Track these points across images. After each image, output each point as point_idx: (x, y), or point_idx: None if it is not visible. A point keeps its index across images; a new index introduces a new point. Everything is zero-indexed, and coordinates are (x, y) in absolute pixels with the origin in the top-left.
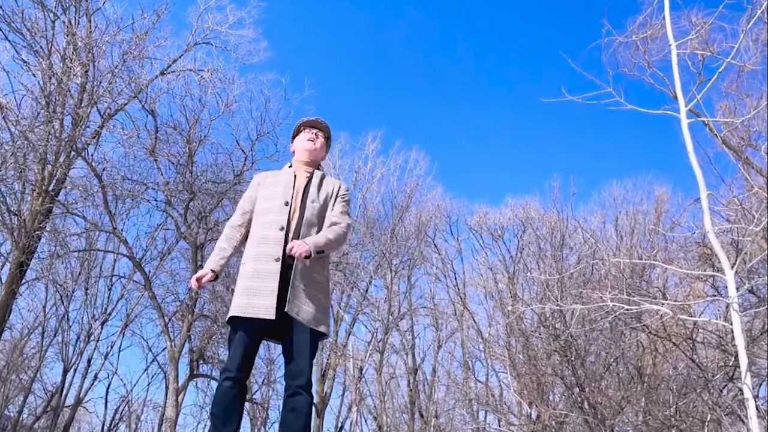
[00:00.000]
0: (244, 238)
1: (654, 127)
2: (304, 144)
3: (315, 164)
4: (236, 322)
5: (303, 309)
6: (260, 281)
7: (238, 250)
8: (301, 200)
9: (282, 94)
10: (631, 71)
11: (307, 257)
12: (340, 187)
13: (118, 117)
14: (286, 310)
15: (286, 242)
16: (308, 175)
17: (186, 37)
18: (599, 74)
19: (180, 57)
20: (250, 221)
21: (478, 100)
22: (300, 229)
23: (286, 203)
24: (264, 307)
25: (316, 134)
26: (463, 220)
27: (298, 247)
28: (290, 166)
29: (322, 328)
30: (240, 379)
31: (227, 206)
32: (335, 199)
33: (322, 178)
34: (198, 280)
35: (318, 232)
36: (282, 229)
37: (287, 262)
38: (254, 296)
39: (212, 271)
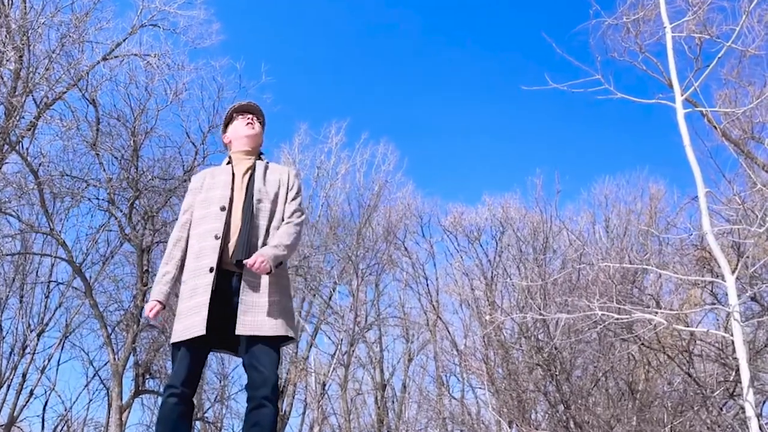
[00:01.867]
0: (186, 253)
1: (647, 118)
2: (243, 130)
3: (256, 152)
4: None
5: (258, 320)
6: (195, 298)
7: (183, 265)
8: (245, 199)
9: (237, 81)
10: (621, 56)
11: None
12: (289, 177)
13: (56, 107)
14: (237, 332)
15: (222, 250)
16: (250, 167)
17: (131, 19)
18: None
19: (124, 40)
20: (188, 234)
21: (452, 89)
22: (244, 236)
23: (222, 208)
24: (195, 326)
25: (252, 119)
26: (436, 221)
27: (259, 265)
28: (228, 162)
29: (289, 333)
30: (186, 394)
31: (176, 205)
32: (287, 190)
33: (266, 168)
34: (155, 315)
35: (266, 232)
36: (217, 237)
37: (226, 267)
38: (188, 317)
39: (158, 302)
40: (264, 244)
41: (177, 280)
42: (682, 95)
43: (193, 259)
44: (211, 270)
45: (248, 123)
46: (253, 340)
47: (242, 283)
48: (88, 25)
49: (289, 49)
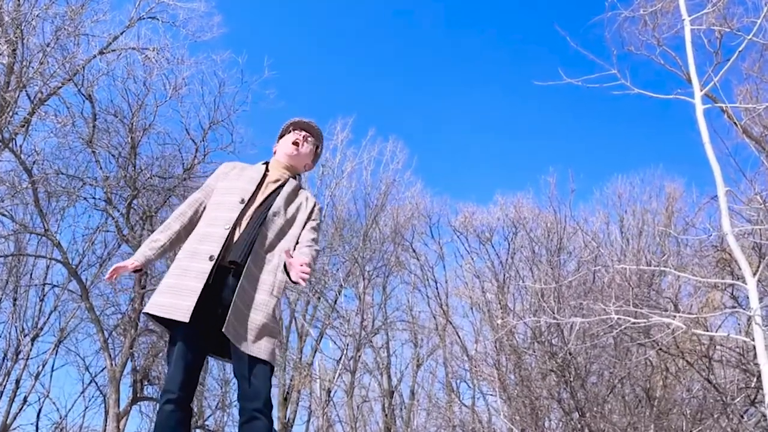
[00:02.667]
0: (189, 231)
1: (665, 114)
2: (288, 146)
3: (294, 171)
4: (176, 333)
5: (246, 337)
6: (185, 279)
7: (178, 243)
8: (260, 204)
9: (238, 76)
10: (638, 50)
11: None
12: (313, 207)
13: (51, 102)
14: (223, 330)
15: (227, 242)
16: (281, 179)
17: (128, 11)
18: (601, 54)
19: (121, 34)
20: (198, 212)
21: (463, 84)
22: (248, 238)
23: (242, 201)
24: (182, 309)
25: (304, 137)
26: (446, 221)
27: (307, 270)
28: (265, 163)
29: (264, 356)
30: (183, 400)
31: (176, 204)
32: (306, 222)
33: (296, 189)
34: (116, 269)
35: (270, 247)
36: (227, 228)
37: (222, 263)
38: (175, 295)
39: (135, 262)
40: (263, 258)
41: (165, 251)
42: (701, 90)
43: (195, 241)
44: (211, 258)
45: (295, 141)
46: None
47: (238, 289)
48: (84, 18)
49: (292, 42)
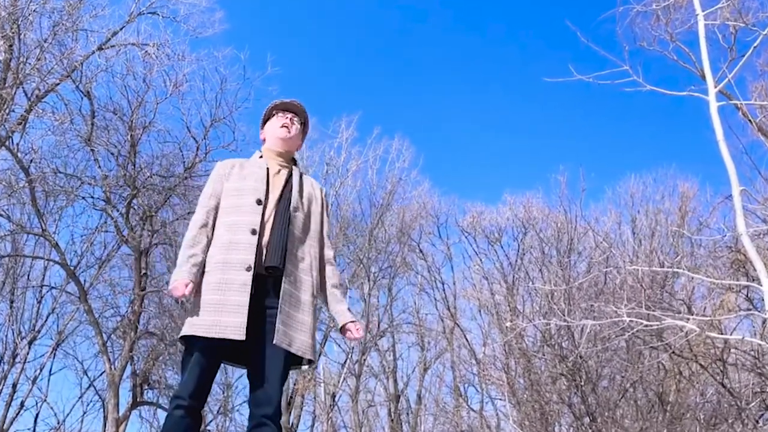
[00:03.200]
0: (210, 240)
1: (678, 112)
2: (277, 131)
3: (290, 156)
4: (195, 342)
5: (297, 339)
6: (228, 294)
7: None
8: (278, 202)
9: (241, 72)
10: (650, 45)
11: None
12: (323, 195)
13: (49, 99)
14: (275, 342)
15: (259, 248)
16: (285, 170)
17: (128, 6)
18: (613, 49)
19: (121, 29)
20: (215, 220)
21: (471, 81)
22: (280, 240)
23: (259, 201)
24: (233, 326)
25: (291, 119)
26: (453, 221)
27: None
28: (261, 157)
29: (313, 356)
30: (194, 407)
31: (176, 204)
32: (322, 209)
33: (301, 177)
34: (188, 288)
35: (302, 250)
36: (255, 232)
37: (259, 271)
38: (221, 312)
39: (191, 281)
40: (296, 257)
41: (203, 268)
42: (715, 87)
43: (222, 251)
44: (248, 269)
45: (284, 125)
46: (268, 352)
47: (282, 292)
48: (83, 13)
49: (296, 38)
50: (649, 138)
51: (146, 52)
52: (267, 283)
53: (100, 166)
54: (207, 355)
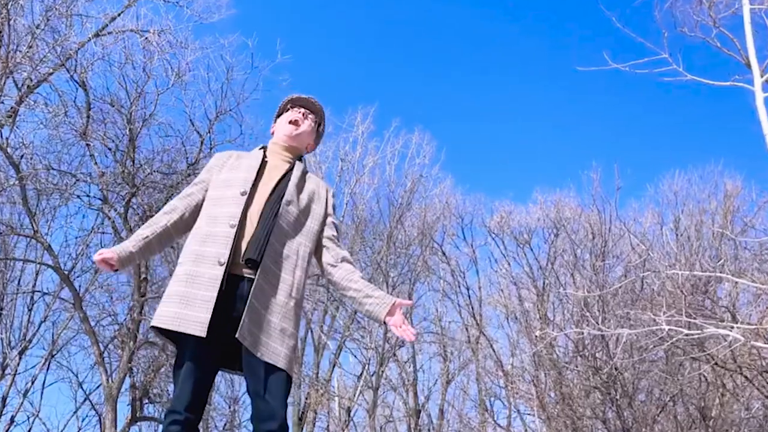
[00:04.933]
0: (180, 228)
1: (722, 103)
2: (286, 126)
3: (296, 153)
4: (184, 349)
5: (262, 340)
6: (195, 287)
7: (167, 240)
8: (270, 195)
9: (248, 61)
10: (692, 32)
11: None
12: (327, 194)
13: (41, 90)
14: (237, 335)
15: (236, 242)
16: (286, 163)
17: None
18: (651, 37)
19: (119, 14)
20: (190, 207)
21: (497, 70)
22: (263, 232)
23: (243, 193)
24: (195, 321)
25: (303, 114)
26: (479, 221)
27: (408, 330)
28: (262, 149)
29: (281, 364)
30: (191, 421)
31: None
32: (325, 210)
33: (304, 173)
34: (104, 260)
35: (290, 247)
36: (233, 226)
37: (235, 270)
38: (186, 305)
39: (116, 253)
40: (280, 254)
41: (151, 248)
42: (761, 77)
43: (197, 242)
44: (220, 263)
45: (293, 120)
46: (262, 361)
47: (254, 287)
48: None
49: (308, 23)
50: (691, 132)
51: (146, 39)
52: (241, 281)
53: (96, 162)
54: (198, 361)
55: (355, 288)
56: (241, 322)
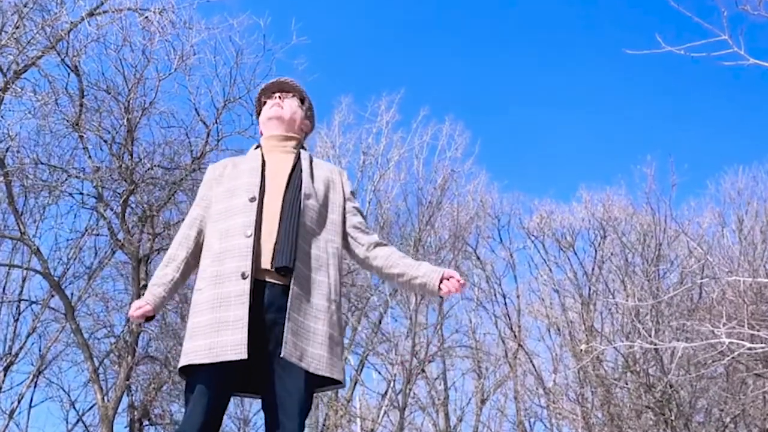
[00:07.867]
0: (196, 255)
1: None
2: (268, 112)
3: (294, 138)
4: (195, 373)
5: (309, 352)
6: (222, 311)
7: (189, 273)
8: (285, 191)
9: (260, 43)
10: (756, 10)
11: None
12: (342, 179)
13: (29, 75)
14: (283, 355)
15: (257, 251)
16: (290, 154)
17: None
18: (709, 16)
19: None
20: (201, 232)
21: (537, 53)
22: (290, 234)
23: (252, 199)
24: (231, 345)
25: (280, 97)
26: (517, 222)
27: (458, 282)
28: (257, 147)
29: (336, 375)
30: None
31: (182, 202)
32: (343, 197)
33: (312, 161)
34: (140, 310)
35: (317, 245)
36: (248, 235)
37: (259, 277)
38: (218, 332)
39: (148, 303)
40: (308, 255)
41: (177, 288)
42: None
43: (214, 263)
44: (244, 276)
45: (275, 104)
46: (285, 376)
47: (291, 296)
48: None
49: (325, 1)
50: (754, 122)
51: (146, 18)
52: (272, 291)
53: (90, 156)
54: (212, 386)
55: (397, 273)
56: (284, 340)
